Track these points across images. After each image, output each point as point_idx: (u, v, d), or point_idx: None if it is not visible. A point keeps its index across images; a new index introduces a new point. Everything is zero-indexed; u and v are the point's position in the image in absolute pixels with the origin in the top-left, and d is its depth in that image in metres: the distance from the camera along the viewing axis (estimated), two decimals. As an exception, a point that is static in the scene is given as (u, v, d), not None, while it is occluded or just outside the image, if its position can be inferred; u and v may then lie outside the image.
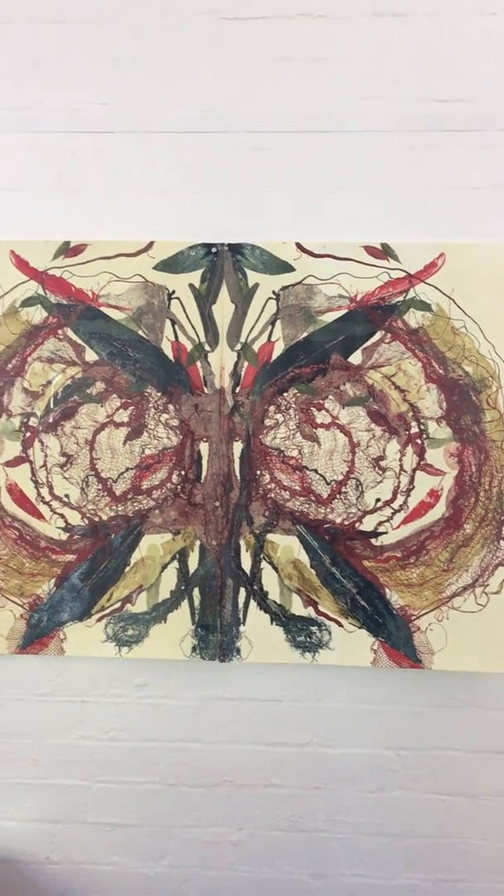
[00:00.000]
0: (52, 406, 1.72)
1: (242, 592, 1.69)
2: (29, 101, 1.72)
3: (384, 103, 1.68)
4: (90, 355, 1.71)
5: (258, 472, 1.70)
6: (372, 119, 1.68)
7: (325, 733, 1.69)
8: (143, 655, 1.69)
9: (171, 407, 1.71)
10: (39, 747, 1.71)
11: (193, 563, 1.70)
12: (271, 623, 1.68)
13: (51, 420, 1.72)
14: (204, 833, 1.70)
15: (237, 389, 1.70)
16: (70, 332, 1.72)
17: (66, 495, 1.72)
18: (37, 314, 1.72)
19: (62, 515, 1.72)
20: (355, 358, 1.68)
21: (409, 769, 1.67)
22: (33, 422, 1.72)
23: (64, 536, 1.72)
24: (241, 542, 1.70)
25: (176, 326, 1.70)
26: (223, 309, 1.70)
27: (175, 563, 1.70)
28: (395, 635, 1.66)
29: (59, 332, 1.72)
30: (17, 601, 1.71)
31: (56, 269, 1.71)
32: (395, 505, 1.68)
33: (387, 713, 1.68)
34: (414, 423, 1.67)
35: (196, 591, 1.70)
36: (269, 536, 1.70)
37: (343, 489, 1.69)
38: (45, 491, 1.72)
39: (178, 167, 1.70)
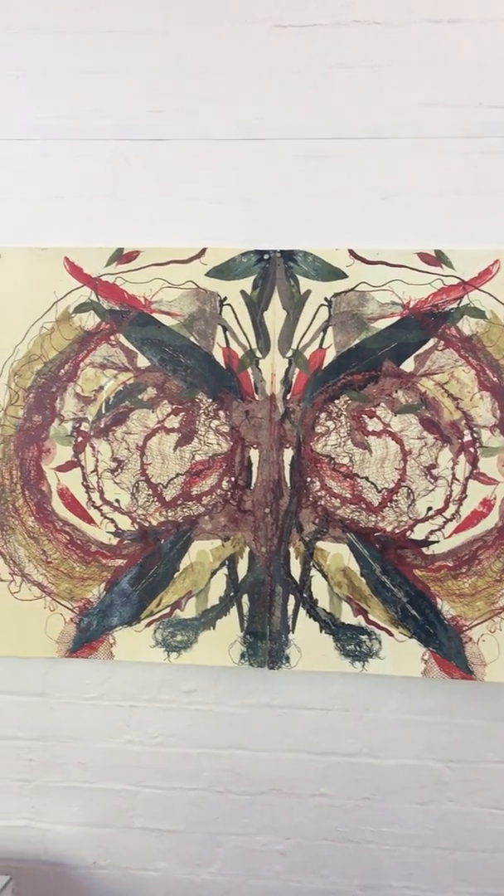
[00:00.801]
0: (103, 411, 1.73)
1: (292, 600, 1.69)
2: (83, 109, 1.74)
3: (439, 109, 1.67)
4: (142, 361, 1.72)
5: (308, 480, 1.69)
6: (426, 125, 1.67)
7: (374, 743, 1.67)
8: (192, 661, 1.69)
9: (221, 413, 1.71)
10: (87, 751, 1.72)
11: (243, 569, 1.70)
12: (321, 631, 1.67)
13: (102, 425, 1.73)
14: (251, 841, 1.69)
15: (288, 396, 1.69)
16: (122, 338, 1.73)
17: (117, 500, 1.73)
18: (90, 320, 1.73)
19: (112, 520, 1.73)
20: (408, 365, 1.67)
21: (460, 782, 1.65)
22: (85, 427, 1.73)
23: (114, 541, 1.73)
24: (291, 550, 1.69)
25: (227, 333, 1.70)
26: (275, 315, 1.69)
27: (224, 570, 1.70)
28: (447, 646, 1.64)
29: (112, 337, 1.73)
30: (68, 605, 1.72)
31: (109, 276, 1.73)
32: (447, 514, 1.66)
33: (437, 724, 1.66)
34: (467, 432, 1.66)
35: (245, 598, 1.70)
36: (319, 544, 1.69)
37: (394, 497, 1.68)
38: (95, 495, 1.73)
39: (231, 174, 1.71)
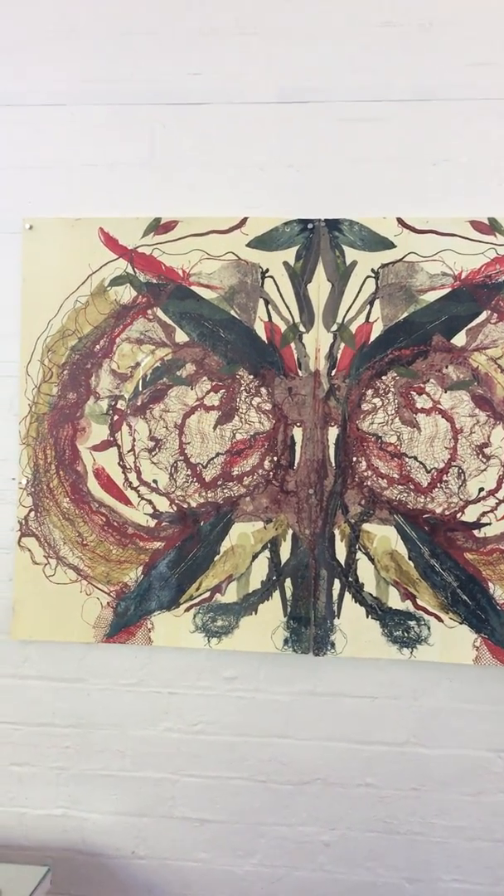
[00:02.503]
0: (140, 389, 1.67)
1: (337, 584, 1.62)
2: (118, 72, 1.66)
3: (493, 69, 1.59)
4: (180, 336, 1.66)
5: (354, 459, 1.62)
6: (480, 86, 1.59)
7: (422, 733, 1.61)
8: (233, 647, 1.63)
9: (263, 390, 1.64)
10: (126, 739, 1.67)
11: (285, 552, 1.64)
12: (367, 616, 1.61)
13: (139, 403, 1.67)
14: (294, 832, 1.64)
15: (333, 372, 1.62)
16: (160, 312, 1.66)
17: (155, 481, 1.67)
18: (126, 293, 1.66)
19: (150, 501, 1.67)
20: (459, 339, 1.60)
21: (513, 772, 1.59)
22: (121, 405, 1.67)
23: (152, 523, 1.67)
24: (336, 532, 1.63)
25: (269, 306, 1.63)
26: (319, 288, 1.62)
27: (266, 553, 1.64)
28: (500, 632, 1.58)
29: (149, 312, 1.66)
30: (104, 589, 1.67)
31: (146, 247, 1.66)
32: (500, 495, 1.59)
33: (489, 713, 1.60)
34: (522, 409, 1.58)
35: (288, 582, 1.63)
36: (366, 526, 1.62)
37: (444, 477, 1.61)
38: (132, 476, 1.67)
39: (274, 140, 1.63)
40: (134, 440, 1.67)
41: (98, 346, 1.67)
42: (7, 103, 1.69)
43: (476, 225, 1.59)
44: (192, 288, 1.65)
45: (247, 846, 1.65)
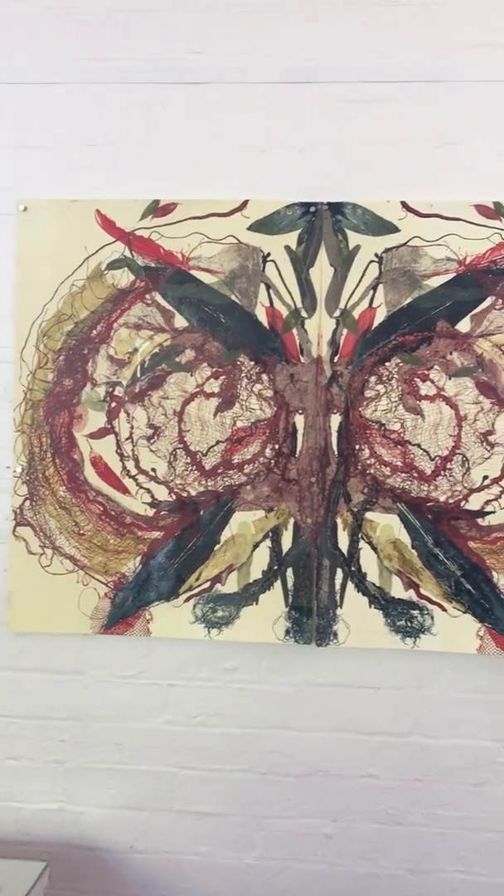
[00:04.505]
0: (138, 375, 1.63)
1: (339, 573, 1.60)
2: (117, 49, 1.62)
3: (499, 51, 1.56)
4: (179, 321, 1.62)
5: (357, 447, 1.60)
6: (485, 68, 1.57)
7: (426, 723, 1.59)
8: (234, 638, 1.60)
9: (264, 377, 1.61)
10: (124, 731, 1.64)
11: (287, 542, 1.61)
12: (370, 606, 1.59)
13: (137, 390, 1.63)
14: (296, 825, 1.62)
15: (335, 358, 1.60)
16: (158, 297, 1.62)
17: (153, 469, 1.63)
18: (123, 277, 1.63)
19: (148, 490, 1.64)
20: (464, 325, 1.58)
21: (516, 762, 1.58)
22: (119, 391, 1.63)
23: (150, 512, 1.63)
24: (338, 521, 1.60)
25: (271, 291, 1.60)
26: (322, 272, 1.59)
27: (267, 542, 1.61)
28: (504, 621, 1.57)
29: (147, 296, 1.63)
30: (102, 579, 1.63)
31: (144, 230, 1.62)
32: (505, 483, 1.58)
33: (492, 703, 1.58)
34: (526, 396, 1.56)
35: (290, 572, 1.61)
36: (368, 515, 1.60)
37: (448, 465, 1.59)
38: (130, 464, 1.64)
39: (276, 120, 1.60)
40: (132, 428, 1.63)
41: (95, 332, 1.63)
42: (2, 81, 1.64)
43: (481, 209, 1.56)
44: (192, 272, 1.61)
45: (247, 839, 1.62)
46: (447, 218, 1.57)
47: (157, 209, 1.61)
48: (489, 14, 1.55)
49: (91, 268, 1.63)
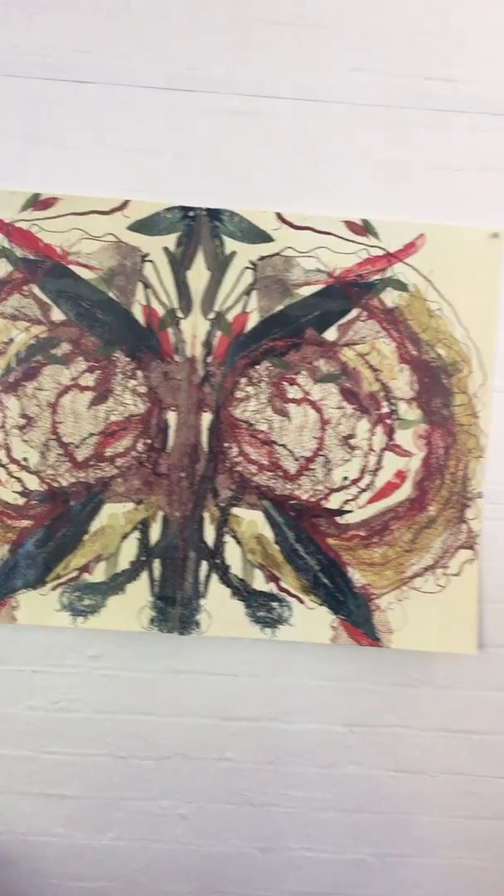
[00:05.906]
0: (13, 365, 1.65)
1: (204, 565, 1.67)
2: (3, 43, 1.63)
3: (373, 77, 1.65)
4: (56, 314, 1.65)
5: (226, 445, 1.67)
6: (360, 92, 1.65)
7: (280, 709, 1.68)
8: (100, 626, 1.65)
9: (139, 373, 1.66)
10: (-15, 717, 1.66)
11: (155, 534, 1.66)
12: (232, 597, 1.66)
13: (11, 380, 1.65)
14: (153, 806, 1.68)
15: (209, 359, 1.66)
16: (36, 289, 1.64)
17: (25, 458, 1.66)
18: (1, 268, 1.64)
19: (19, 479, 1.66)
20: (330, 334, 1.66)
21: (362, 746, 1.69)
22: (-7, 380, 1.65)
23: (20, 501, 1.66)
24: (206, 515, 1.67)
25: (148, 290, 1.65)
26: (198, 275, 1.65)
27: (136, 534, 1.66)
28: (356, 613, 1.66)
29: (25, 288, 1.64)
30: (-31, 566, 1.65)
31: (24, 222, 1.64)
32: (362, 484, 1.68)
33: (343, 690, 1.68)
34: (385, 403, 1.67)
35: (157, 563, 1.66)
36: (234, 510, 1.67)
37: (311, 466, 1.67)
38: (1, 453, 1.65)
39: (159, 124, 1.64)
40: (4, 417, 1.65)
41: (-29, 320, 1.64)
42: None
43: (350, 225, 1.65)
44: (71, 267, 1.64)
45: (104, 820, 1.68)
46: (319, 231, 1.65)
47: (38, 202, 1.63)
48: (365, 42, 1.64)
49: (-31, 256, 1.63)
